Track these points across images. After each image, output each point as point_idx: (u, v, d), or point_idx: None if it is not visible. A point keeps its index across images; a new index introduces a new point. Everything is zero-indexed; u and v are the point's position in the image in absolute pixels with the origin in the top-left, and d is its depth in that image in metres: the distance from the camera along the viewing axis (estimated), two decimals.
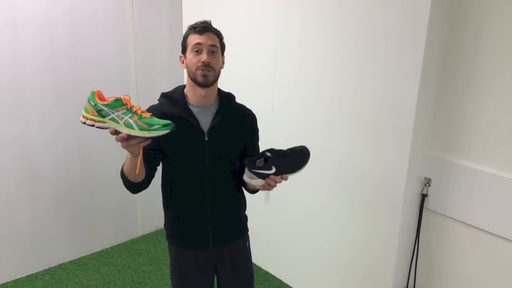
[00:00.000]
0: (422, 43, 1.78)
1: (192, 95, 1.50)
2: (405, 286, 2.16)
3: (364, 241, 2.20)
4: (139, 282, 2.72)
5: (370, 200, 2.13)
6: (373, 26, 1.96)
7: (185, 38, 1.49)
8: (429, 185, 2.01)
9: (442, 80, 1.91)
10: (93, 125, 1.16)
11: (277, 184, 1.43)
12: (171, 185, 1.55)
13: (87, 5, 2.68)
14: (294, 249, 2.62)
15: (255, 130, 1.64)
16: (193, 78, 1.46)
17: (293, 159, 1.44)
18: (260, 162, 1.39)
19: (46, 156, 2.69)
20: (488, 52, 1.74)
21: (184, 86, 1.55)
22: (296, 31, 2.32)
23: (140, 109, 1.20)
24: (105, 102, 1.15)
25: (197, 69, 1.43)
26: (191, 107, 1.50)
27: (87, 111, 1.15)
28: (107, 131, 1.18)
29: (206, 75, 1.43)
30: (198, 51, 1.43)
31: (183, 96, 1.51)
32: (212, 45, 1.44)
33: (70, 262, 2.90)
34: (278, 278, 2.77)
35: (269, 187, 1.43)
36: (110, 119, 1.16)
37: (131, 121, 1.16)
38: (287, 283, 2.72)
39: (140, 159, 1.27)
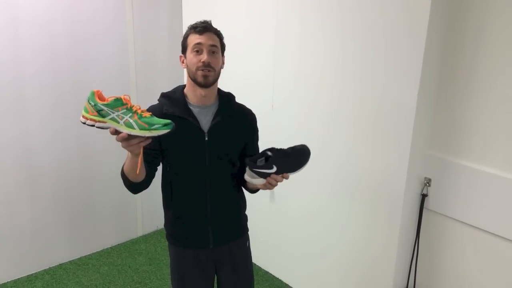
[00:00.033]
0: (422, 43, 1.78)
1: (192, 95, 1.50)
2: (405, 286, 2.16)
3: (364, 241, 2.20)
4: (139, 282, 2.72)
5: (370, 200, 2.13)
6: (373, 26, 1.96)
7: (185, 38, 1.48)
8: (429, 185, 2.01)
9: (442, 80, 1.91)
10: (93, 125, 1.16)
11: (278, 183, 1.43)
12: (171, 185, 1.55)
13: (87, 5, 2.68)
14: (294, 249, 2.62)
15: (255, 130, 1.64)
16: (193, 78, 1.46)
17: (294, 158, 1.44)
18: (261, 161, 1.39)
19: (46, 156, 2.69)
20: (488, 52, 1.74)
21: (184, 86, 1.55)
22: (296, 31, 2.32)
23: (140, 108, 1.20)
24: (105, 102, 1.15)
25: (197, 69, 1.42)
26: (191, 107, 1.50)
27: (87, 111, 1.15)
28: (107, 131, 1.18)
29: (207, 75, 1.43)
30: (198, 51, 1.43)
31: (183, 96, 1.51)
32: (212, 45, 1.44)
33: (70, 262, 2.90)
34: (278, 278, 2.77)
35: (270, 186, 1.43)
36: (110, 119, 1.15)
37: (131, 120, 1.16)
38: (287, 283, 2.72)
39: (140, 159, 1.26)
